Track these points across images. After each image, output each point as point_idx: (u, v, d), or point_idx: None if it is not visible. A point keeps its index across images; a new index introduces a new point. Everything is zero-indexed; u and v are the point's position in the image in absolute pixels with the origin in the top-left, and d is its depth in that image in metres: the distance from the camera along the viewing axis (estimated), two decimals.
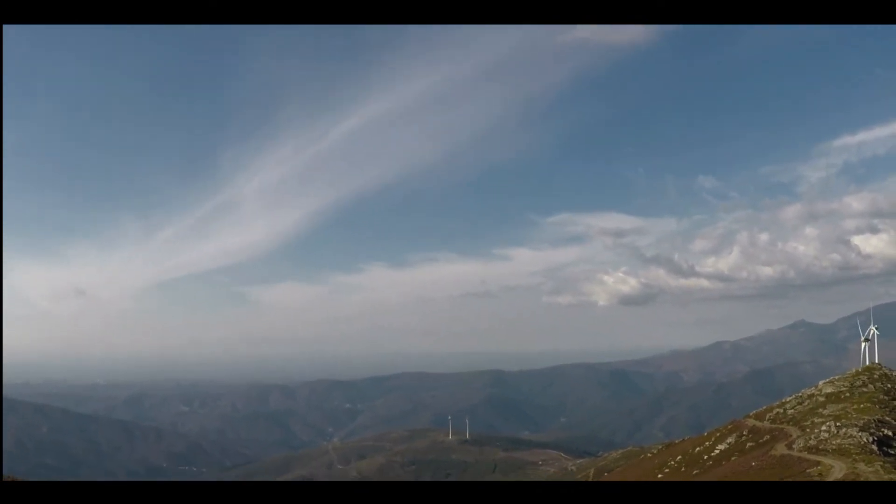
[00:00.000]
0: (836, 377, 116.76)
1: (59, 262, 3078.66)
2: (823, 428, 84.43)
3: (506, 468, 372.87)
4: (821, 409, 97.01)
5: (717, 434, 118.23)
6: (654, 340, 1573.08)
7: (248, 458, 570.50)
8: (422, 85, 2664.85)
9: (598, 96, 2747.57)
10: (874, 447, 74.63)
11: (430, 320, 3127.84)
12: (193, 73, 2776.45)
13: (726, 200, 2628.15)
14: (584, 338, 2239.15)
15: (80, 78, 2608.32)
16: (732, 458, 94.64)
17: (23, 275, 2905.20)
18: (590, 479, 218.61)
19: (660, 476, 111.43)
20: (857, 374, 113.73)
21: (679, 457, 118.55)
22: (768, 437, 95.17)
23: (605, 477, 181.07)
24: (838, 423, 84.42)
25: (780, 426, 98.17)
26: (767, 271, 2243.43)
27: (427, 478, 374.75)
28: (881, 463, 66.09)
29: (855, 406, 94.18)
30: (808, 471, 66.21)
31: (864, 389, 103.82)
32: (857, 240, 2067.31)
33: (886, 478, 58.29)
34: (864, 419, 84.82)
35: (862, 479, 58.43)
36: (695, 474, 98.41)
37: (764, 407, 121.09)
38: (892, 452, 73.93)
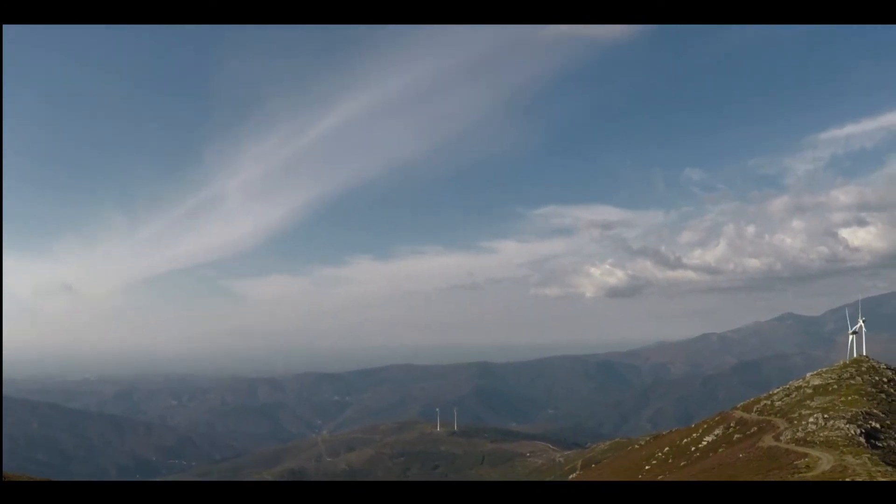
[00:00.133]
0: (824, 369, 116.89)
1: (46, 257, 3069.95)
2: (811, 420, 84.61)
3: (494, 459, 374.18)
4: (808, 401, 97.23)
5: (705, 426, 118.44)
6: (642, 332, 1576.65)
7: (238, 451, 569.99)
8: (406, 79, 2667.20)
9: (585, 89, 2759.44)
10: (862, 439, 74.94)
11: (418, 313, 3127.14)
12: (177, 70, 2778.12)
13: (713, 193, 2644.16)
14: (572, 330, 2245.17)
15: (63, 75, 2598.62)
16: (720, 450, 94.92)
17: (9, 270, 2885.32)
18: (577, 470, 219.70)
19: (647, 467, 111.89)
20: (845, 366, 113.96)
21: (666, 448, 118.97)
22: (756, 428, 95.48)
23: (593, 468, 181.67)
24: (826, 415, 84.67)
25: (768, 418, 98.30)
26: (754, 263, 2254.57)
27: (416, 469, 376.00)
28: (868, 455, 66.34)
29: (842, 398, 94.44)
30: (795, 462, 66.42)
31: (852, 382, 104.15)
32: (844, 232, 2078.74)
33: (874, 469, 58.61)
34: (851, 411, 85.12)
35: (849, 471, 58.76)
36: (682, 465, 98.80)
37: (751, 399, 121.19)
38: (880, 445, 74.33)
